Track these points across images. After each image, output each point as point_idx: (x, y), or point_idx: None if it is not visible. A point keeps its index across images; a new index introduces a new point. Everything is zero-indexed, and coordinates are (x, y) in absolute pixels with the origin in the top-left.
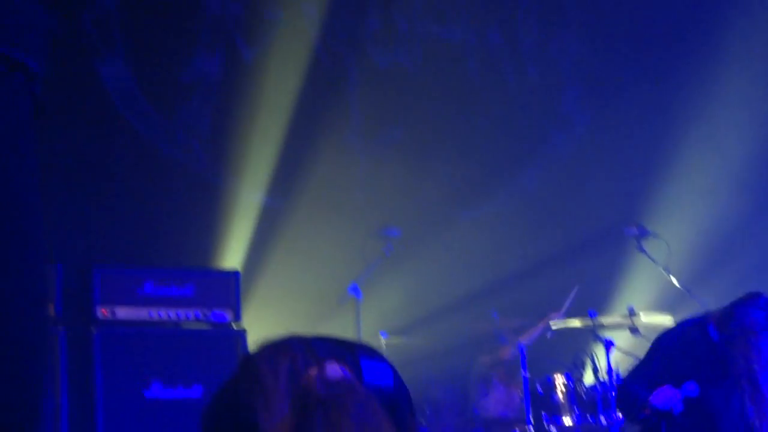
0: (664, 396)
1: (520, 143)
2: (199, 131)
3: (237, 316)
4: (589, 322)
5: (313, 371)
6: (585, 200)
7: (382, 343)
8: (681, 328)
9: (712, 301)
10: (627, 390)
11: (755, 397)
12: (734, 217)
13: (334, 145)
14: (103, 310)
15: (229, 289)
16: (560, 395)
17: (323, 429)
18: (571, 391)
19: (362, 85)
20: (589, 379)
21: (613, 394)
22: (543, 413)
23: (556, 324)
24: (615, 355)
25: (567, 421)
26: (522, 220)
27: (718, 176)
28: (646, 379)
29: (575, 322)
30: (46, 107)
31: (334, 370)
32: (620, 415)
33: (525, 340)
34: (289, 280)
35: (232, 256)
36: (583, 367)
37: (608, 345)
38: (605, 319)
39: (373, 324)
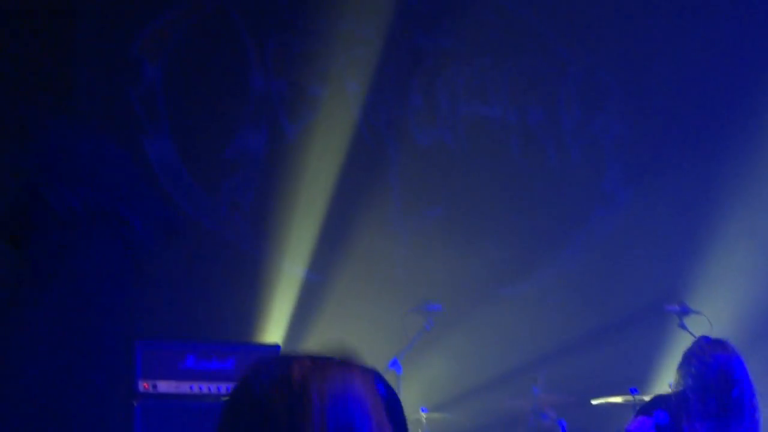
0: (637, 424)
1: (561, 221)
2: (242, 206)
3: None
4: (630, 398)
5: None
6: (626, 278)
7: (422, 418)
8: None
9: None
10: None
11: None
12: None
13: (375, 220)
14: (145, 384)
15: None
16: None
17: None
18: None
19: (403, 162)
20: None
21: None
22: None
23: (597, 400)
24: None
25: None
26: (563, 298)
27: (762, 252)
28: None
29: (617, 399)
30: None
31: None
32: None
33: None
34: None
35: (274, 331)
36: None
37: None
38: (647, 397)
39: (414, 399)
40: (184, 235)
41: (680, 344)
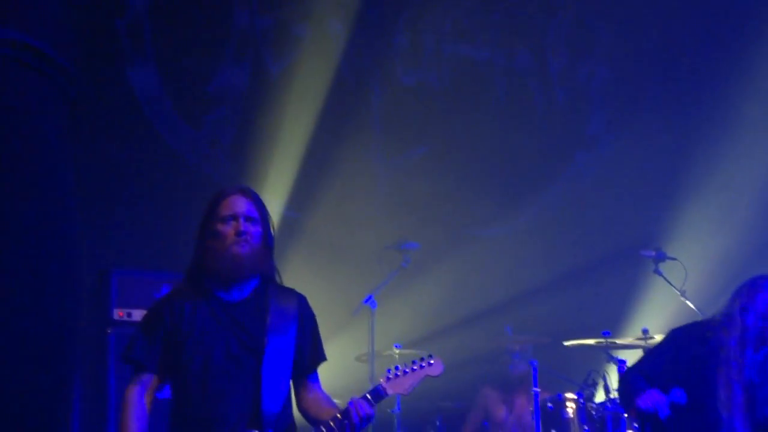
0: (651, 399)
1: (543, 164)
2: (223, 142)
3: None
4: (602, 341)
5: None
6: (605, 222)
7: (395, 354)
8: (695, 326)
9: None
10: (627, 378)
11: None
12: (752, 242)
13: (356, 159)
14: (120, 312)
15: None
16: (570, 412)
17: None
18: (582, 409)
19: (386, 103)
20: (600, 397)
21: (624, 415)
22: (553, 430)
23: (570, 342)
24: None
25: None
26: (541, 240)
27: (738, 203)
28: (646, 371)
29: (589, 341)
30: (78, 109)
31: None
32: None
33: None
34: (305, 291)
35: None
36: (594, 385)
37: (621, 365)
38: (619, 340)
39: (388, 335)
40: (166, 167)
41: (654, 289)
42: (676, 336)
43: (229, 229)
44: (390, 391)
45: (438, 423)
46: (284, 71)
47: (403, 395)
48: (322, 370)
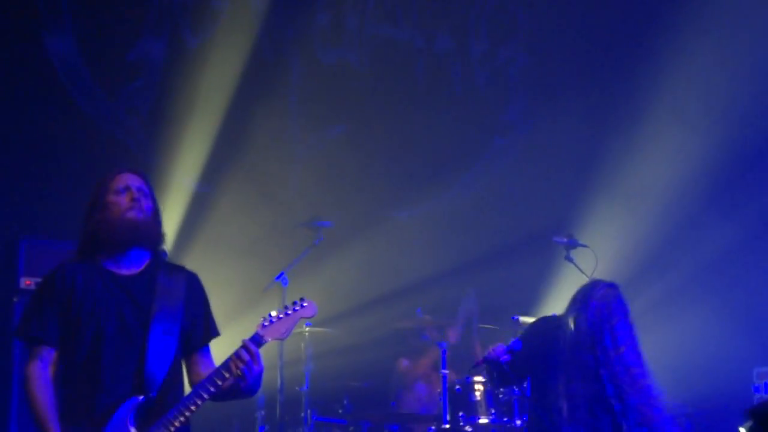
0: (494, 350)
1: (461, 148)
2: (140, 112)
3: None
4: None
5: None
6: (519, 207)
7: (305, 332)
8: (552, 319)
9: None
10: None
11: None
12: (660, 231)
13: (272, 136)
14: (27, 281)
15: None
16: (478, 395)
17: None
18: (489, 392)
19: (305, 80)
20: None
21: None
22: (461, 412)
23: (483, 325)
24: None
25: (483, 420)
26: (455, 223)
27: (648, 192)
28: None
29: (496, 326)
30: None
31: None
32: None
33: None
34: (216, 266)
35: None
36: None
37: None
38: (527, 323)
39: None
40: (81, 135)
41: (565, 275)
42: (534, 324)
43: (122, 199)
44: (267, 338)
45: (346, 402)
46: (203, 44)
47: (280, 340)
48: (234, 347)
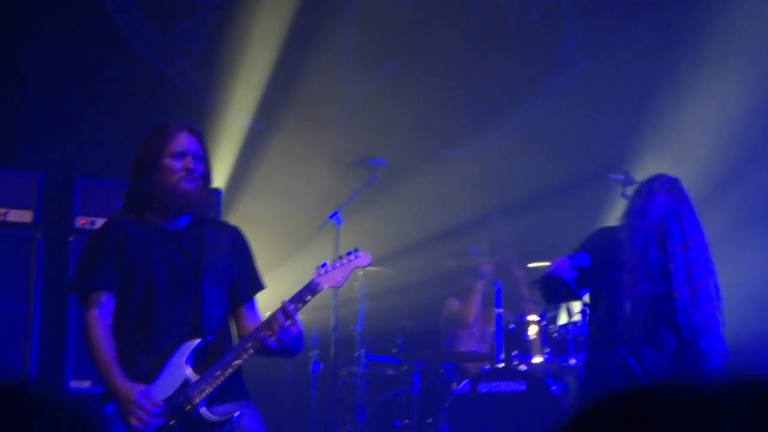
0: (555, 264)
1: (515, 85)
2: (193, 50)
3: None
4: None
5: None
6: (574, 144)
7: (359, 271)
8: (610, 229)
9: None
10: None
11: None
12: (717, 169)
13: (325, 73)
14: (83, 220)
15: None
16: (532, 334)
17: None
18: (544, 331)
19: (358, 15)
20: (562, 319)
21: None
22: (515, 351)
23: (533, 263)
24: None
25: (537, 359)
26: (510, 161)
27: (707, 129)
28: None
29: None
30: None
31: None
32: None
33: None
34: (271, 205)
35: (216, 177)
36: (557, 308)
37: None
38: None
39: None
40: (134, 75)
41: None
42: (592, 236)
43: (179, 165)
44: (324, 285)
45: (399, 341)
46: None
47: (335, 288)
48: (289, 285)
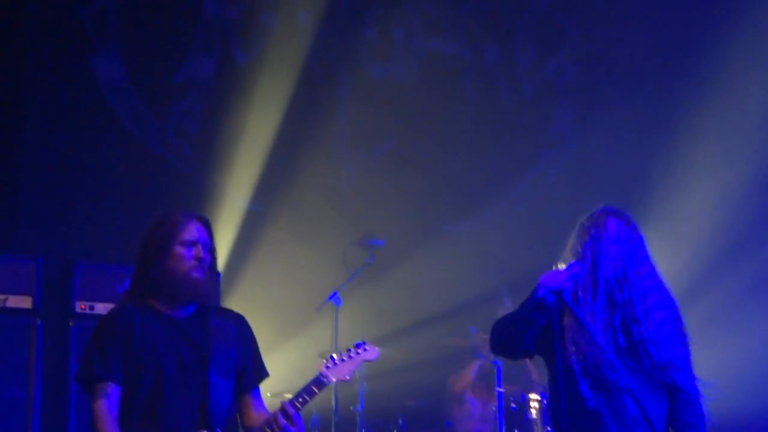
0: (552, 279)
1: (510, 161)
2: (189, 132)
3: None
4: None
5: None
6: (571, 220)
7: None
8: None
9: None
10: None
11: None
12: (716, 245)
13: (322, 153)
14: (82, 304)
15: None
16: (534, 413)
17: None
18: (545, 410)
19: (354, 96)
20: None
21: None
22: (516, 430)
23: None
24: None
25: None
26: (507, 238)
27: (703, 203)
28: None
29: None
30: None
31: None
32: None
33: None
34: (269, 286)
35: None
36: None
37: None
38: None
39: (351, 333)
40: (130, 158)
41: None
42: None
43: (189, 253)
44: (332, 378)
45: (401, 422)
46: (252, 62)
47: (344, 381)
48: (288, 366)
